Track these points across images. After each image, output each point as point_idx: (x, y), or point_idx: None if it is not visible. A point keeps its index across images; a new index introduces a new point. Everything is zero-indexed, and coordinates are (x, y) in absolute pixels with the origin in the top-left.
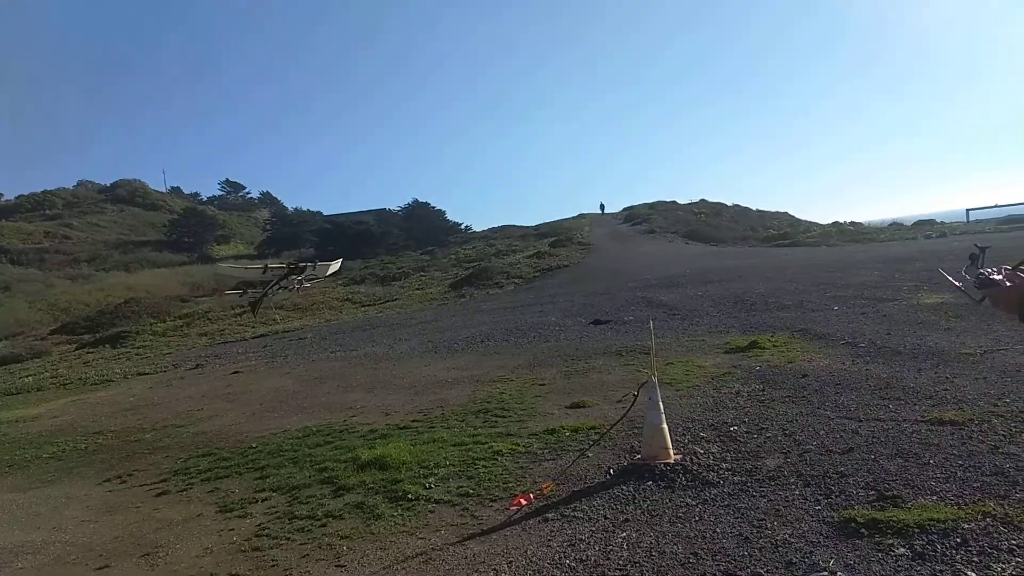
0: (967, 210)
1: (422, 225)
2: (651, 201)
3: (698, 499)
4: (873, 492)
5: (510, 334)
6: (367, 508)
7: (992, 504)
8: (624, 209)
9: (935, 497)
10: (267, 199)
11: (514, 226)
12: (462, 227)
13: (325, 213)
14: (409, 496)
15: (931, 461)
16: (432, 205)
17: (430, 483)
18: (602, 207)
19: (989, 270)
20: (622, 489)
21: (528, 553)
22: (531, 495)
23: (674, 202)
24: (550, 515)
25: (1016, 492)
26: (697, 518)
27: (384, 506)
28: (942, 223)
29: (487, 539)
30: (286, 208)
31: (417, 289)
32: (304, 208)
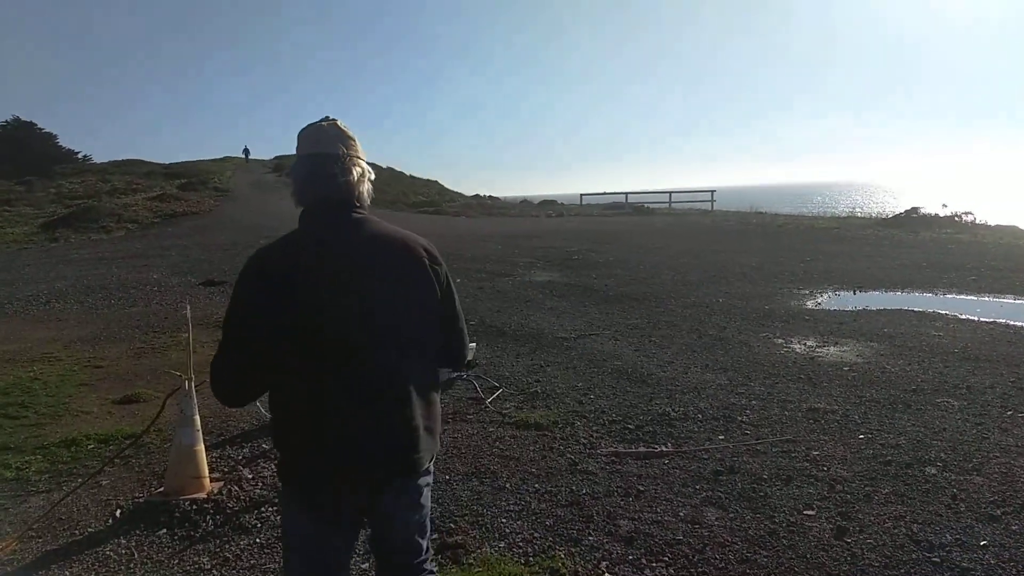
0: (581, 195)
1: (22, 150)
2: None
3: (218, 558)
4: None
5: (91, 293)
6: None
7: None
8: (275, 158)
9: (503, 544)
10: None
11: (141, 161)
12: (78, 156)
13: None
14: None
15: (507, 486)
16: (39, 127)
17: None
18: (246, 152)
19: None
20: (119, 544)
21: None
22: None
23: None
24: None
25: (587, 537)
26: None
27: None
28: (562, 204)
29: None
30: None
31: None
32: None
